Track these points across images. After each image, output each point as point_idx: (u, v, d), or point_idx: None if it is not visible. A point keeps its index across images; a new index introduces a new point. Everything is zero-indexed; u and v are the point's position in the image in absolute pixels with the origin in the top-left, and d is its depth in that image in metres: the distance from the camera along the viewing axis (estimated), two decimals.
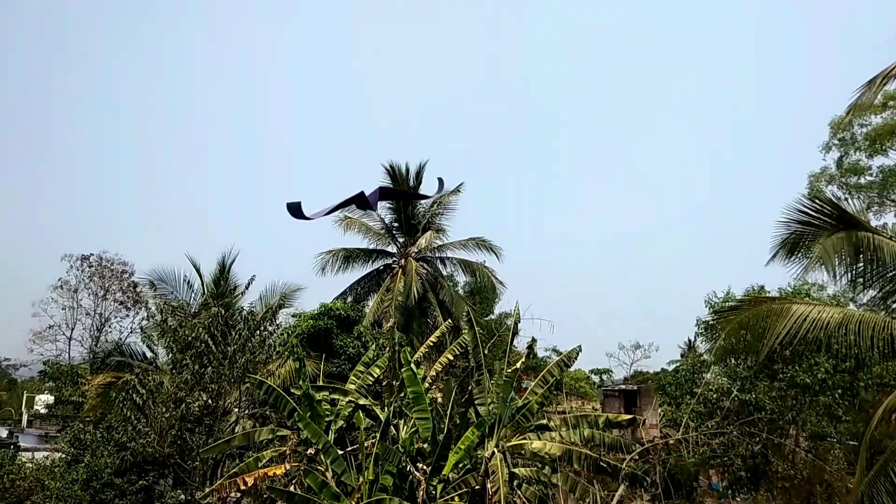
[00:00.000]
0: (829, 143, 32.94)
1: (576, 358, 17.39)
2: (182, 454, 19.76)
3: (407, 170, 38.21)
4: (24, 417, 45.86)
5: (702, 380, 20.92)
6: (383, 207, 38.84)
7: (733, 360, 19.46)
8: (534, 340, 16.97)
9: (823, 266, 13.18)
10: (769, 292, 20.84)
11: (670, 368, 48.41)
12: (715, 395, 19.80)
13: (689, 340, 55.00)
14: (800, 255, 14.38)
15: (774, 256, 14.56)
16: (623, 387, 42.89)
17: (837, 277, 13.34)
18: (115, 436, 19.71)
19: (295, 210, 7.61)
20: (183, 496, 19.27)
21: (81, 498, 17.69)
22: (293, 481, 17.25)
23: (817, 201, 13.75)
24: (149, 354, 25.14)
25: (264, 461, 17.37)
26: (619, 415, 16.94)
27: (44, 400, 42.38)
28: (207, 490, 18.05)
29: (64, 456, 21.02)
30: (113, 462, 18.76)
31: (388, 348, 20.58)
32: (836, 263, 12.87)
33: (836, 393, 18.33)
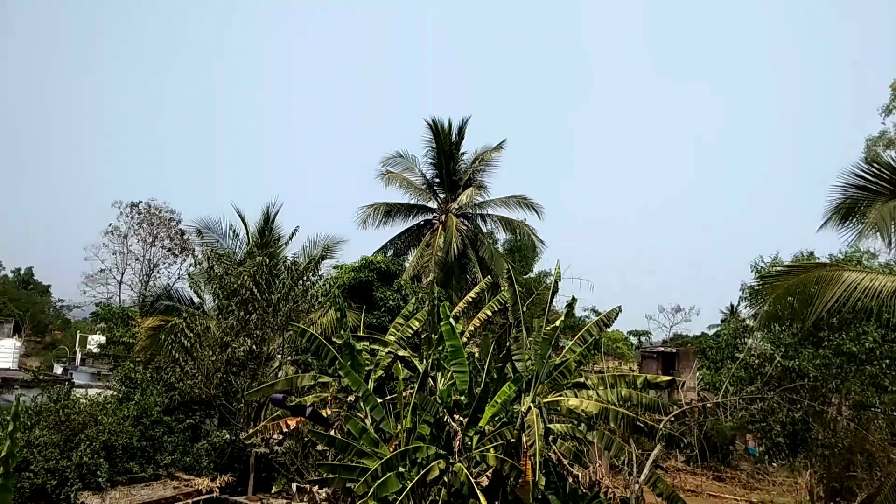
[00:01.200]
0: (890, 106, 31.49)
1: (615, 318, 17.31)
2: (227, 396, 20.48)
3: (449, 125, 37.97)
4: (78, 356, 47.95)
5: (744, 345, 20.67)
6: (425, 163, 38.86)
7: (777, 327, 19.15)
8: (574, 300, 16.91)
9: (878, 233, 12.77)
10: (819, 259, 20.29)
11: (711, 333, 47.94)
12: (757, 361, 19.56)
13: (732, 305, 54.29)
14: (854, 221, 13.94)
15: (827, 222, 14.15)
16: (661, 349, 42.78)
17: (892, 245, 12.91)
18: (164, 376, 20.50)
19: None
20: (228, 436, 20.03)
21: (132, 433, 18.52)
22: (333, 426, 17.74)
23: (875, 165, 13.24)
24: (196, 300, 25.88)
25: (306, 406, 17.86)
26: (658, 376, 16.88)
27: (96, 340, 44.22)
28: (251, 431, 18.72)
29: (115, 393, 21.99)
30: (162, 401, 19.55)
31: (427, 302, 20.78)
32: (892, 230, 12.45)
33: (883, 363, 17.94)
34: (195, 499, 17.75)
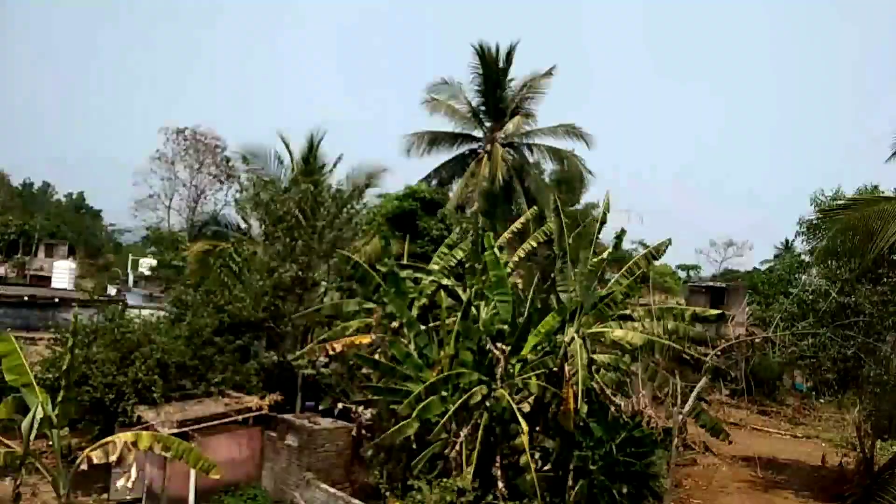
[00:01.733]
0: None
1: (664, 251, 16.93)
2: (275, 319, 20.98)
3: (497, 50, 36.81)
4: (130, 278, 49.74)
5: (798, 280, 20.08)
6: (470, 90, 37.97)
7: (835, 262, 18.49)
8: (622, 231, 16.57)
9: None
10: (883, 193, 19.34)
11: (763, 268, 46.89)
12: (811, 297, 19.03)
13: (787, 241, 52.89)
14: None
15: None
16: (710, 284, 42.08)
17: None
18: (214, 299, 21.04)
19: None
20: (276, 357, 20.61)
21: (184, 353, 19.19)
22: (378, 351, 18.06)
23: None
24: (243, 226, 26.28)
25: (351, 330, 18.20)
26: (707, 309, 16.59)
27: (147, 263, 45.66)
28: (298, 353, 19.21)
29: (168, 314, 22.74)
30: (212, 322, 20.12)
31: (471, 232, 20.65)
32: None
33: None
34: (245, 415, 18.46)
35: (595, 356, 15.41)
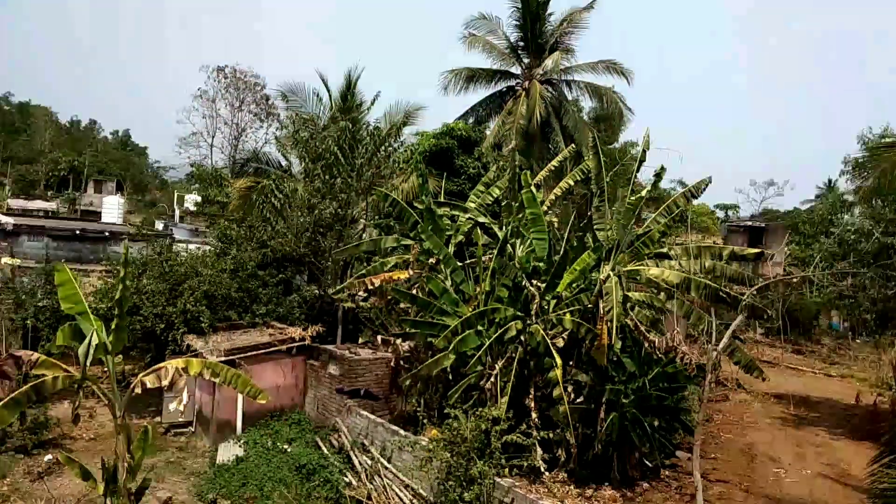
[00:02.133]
0: None
1: (704, 189, 16.73)
2: (315, 254, 21.51)
3: None
4: (176, 213, 51.01)
5: (840, 220, 19.69)
6: (509, 25, 37.11)
7: (880, 202, 18.05)
8: (662, 169, 16.39)
9: None
10: None
11: (804, 208, 45.84)
12: (853, 237, 18.69)
13: (830, 180, 51.44)
14: None
15: None
16: (749, 223, 41.37)
17: None
18: (257, 234, 21.63)
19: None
20: (317, 291, 21.22)
21: (230, 285, 19.91)
22: (415, 286, 18.47)
23: None
24: (283, 163, 26.64)
25: (389, 266, 18.60)
26: (745, 248, 16.48)
27: (192, 199, 46.70)
28: (338, 287, 19.76)
29: (213, 249, 23.48)
30: (255, 257, 20.76)
31: (508, 170, 20.64)
32: None
33: None
34: (289, 345, 19.21)
35: (630, 294, 15.54)
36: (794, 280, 19.43)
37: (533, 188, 16.43)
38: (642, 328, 14.96)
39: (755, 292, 15.24)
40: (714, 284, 14.58)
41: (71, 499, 14.49)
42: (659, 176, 16.55)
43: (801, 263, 25.94)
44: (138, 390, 10.45)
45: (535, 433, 14.16)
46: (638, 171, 17.27)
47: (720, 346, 13.86)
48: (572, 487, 14.11)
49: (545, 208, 18.19)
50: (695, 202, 18.96)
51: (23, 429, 17.10)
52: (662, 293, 15.46)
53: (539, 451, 14.14)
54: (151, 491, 13.56)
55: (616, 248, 15.39)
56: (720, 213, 59.07)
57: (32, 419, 17.52)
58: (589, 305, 15.09)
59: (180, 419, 19.53)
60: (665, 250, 15.81)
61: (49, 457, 16.42)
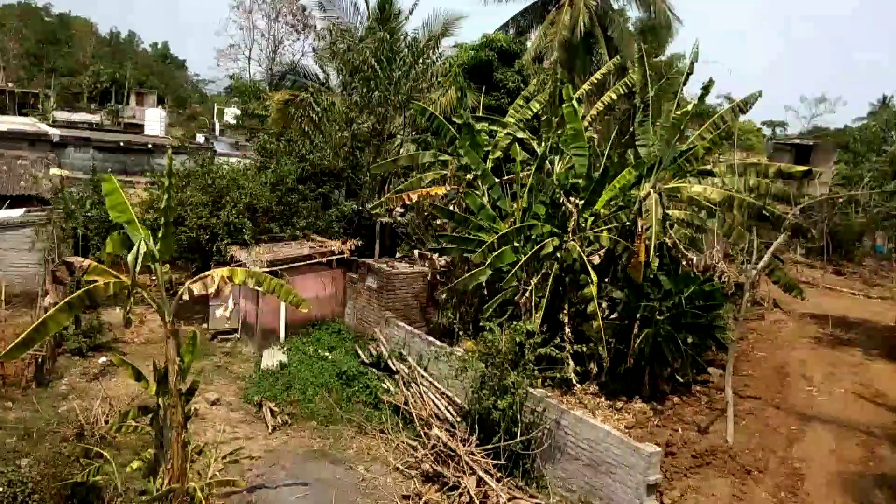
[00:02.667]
0: None
1: (753, 104, 16.14)
2: (353, 169, 21.60)
3: None
4: (217, 126, 51.26)
5: (893, 138, 18.88)
6: None
7: None
8: (710, 82, 15.79)
9: None
10: None
11: (855, 126, 43.96)
12: None
13: (884, 97, 48.94)
14: None
15: None
16: (797, 141, 39.90)
17: None
18: (296, 148, 21.72)
19: None
20: (355, 206, 21.42)
21: (270, 198, 20.21)
22: (452, 202, 18.51)
23: None
24: (321, 76, 26.35)
25: (426, 181, 18.61)
26: (792, 166, 15.99)
27: (232, 112, 46.80)
28: (376, 202, 19.91)
29: (253, 162, 23.70)
30: (295, 170, 20.93)
31: (548, 84, 20.09)
32: None
33: None
34: (329, 258, 19.62)
35: (669, 212, 15.35)
36: (840, 199, 18.85)
37: (574, 102, 16.04)
38: (681, 246, 14.86)
39: (798, 212, 14.90)
40: (758, 203, 14.28)
41: (125, 398, 15.41)
42: (706, 89, 15.97)
43: (849, 183, 25.07)
44: (186, 297, 10.83)
45: (568, 347, 14.44)
46: (684, 85, 16.68)
47: (760, 265, 13.72)
48: (603, 399, 14.48)
49: (586, 124, 17.81)
50: (740, 119, 18.30)
51: (78, 333, 18.05)
52: (703, 211, 15.23)
53: (571, 364, 14.46)
54: (200, 392, 14.31)
55: (658, 164, 15.09)
56: (766, 131, 56.88)
57: (87, 324, 18.45)
58: (627, 223, 15.00)
59: (226, 326, 20.34)
60: (708, 167, 15.45)
61: (104, 359, 17.37)
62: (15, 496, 7.93)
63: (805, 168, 15.03)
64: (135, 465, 11.10)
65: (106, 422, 13.75)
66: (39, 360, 16.00)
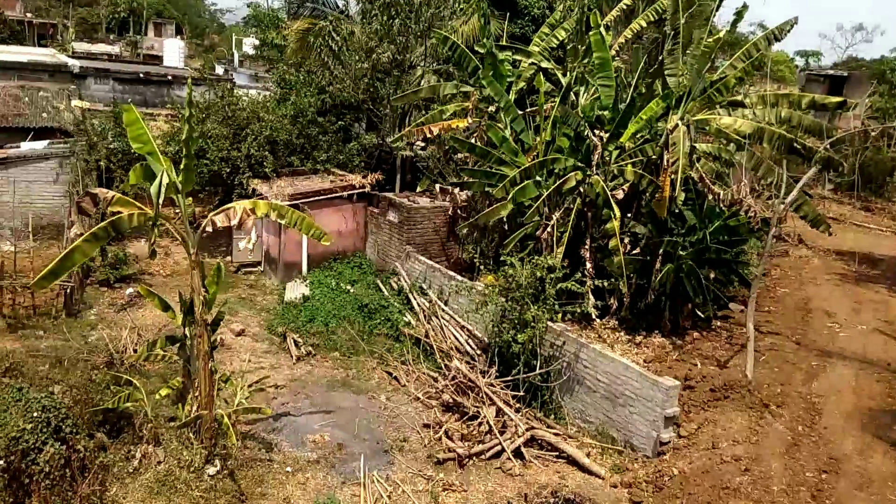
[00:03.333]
0: None
1: (788, 32, 15.44)
2: (373, 101, 21.28)
3: None
4: (236, 57, 50.55)
5: None
6: None
7: None
8: (744, 7, 15.11)
9: None
10: None
11: (893, 56, 42.15)
12: None
13: None
14: None
15: None
16: (831, 72, 38.45)
17: None
18: (315, 79, 21.40)
19: None
20: (375, 139, 21.22)
21: (291, 131, 20.07)
22: (474, 134, 18.23)
23: None
24: (340, 3, 25.70)
25: (448, 114, 18.29)
26: (827, 97, 15.40)
27: (250, 42, 46.00)
28: (396, 135, 19.68)
29: (273, 94, 23.43)
30: (315, 102, 20.68)
31: (575, 11, 19.38)
32: None
33: None
34: (349, 192, 19.59)
35: (697, 145, 14.97)
36: (873, 133, 18.22)
37: (601, 30, 15.46)
38: (707, 181, 14.57)
39: (829, 145, 14.45)
40: (789, 135, 13.85)
41: (153, 328, 15.79)
42: (739, 16, 15.32)
43: (883, 116, 24.21)
44: (209, 229, 10.91)
45: (588, 282, 14.43)
46: (717, 11, 15.99)
47: (788, 199, 13.43)
48: (622, 334, 14.55)
49: (613, 53, 17.21)
50: (775, 48, 17.59)
51: (105, 264, 18.38)
52: (732, 144, 14.84)
53: (592, 299, 14.47)
54: (226, 323, 14.62)
55: (687, 95, 14.63)
56: (799, 61, 54.72)
57: (113, 255, 18.77)
58: (653, 157, 14.69)
59: (249, 258, 20.59)
60: (739, 99, 14.94)
61: (130, 290, 17.74)
62: (48, 421, 8.24)
63: (839, 99, 14.45)
64: (164, 392, 11.46)
65: (134, 351, 14.15)
66: (68, 290, 16.37)
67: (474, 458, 11.93)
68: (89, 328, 15.79)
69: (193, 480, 10.22)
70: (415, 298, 17.36)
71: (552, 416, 13.30)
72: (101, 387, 11.70)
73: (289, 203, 17.47)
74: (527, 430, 12.30)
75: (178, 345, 11.48)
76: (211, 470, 10.48)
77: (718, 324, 14.89)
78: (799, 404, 11.63)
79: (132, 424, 11.26)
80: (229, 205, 11.16)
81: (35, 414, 8.27)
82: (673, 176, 13.49)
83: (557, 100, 15.97)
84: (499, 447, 12.03)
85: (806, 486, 9.69)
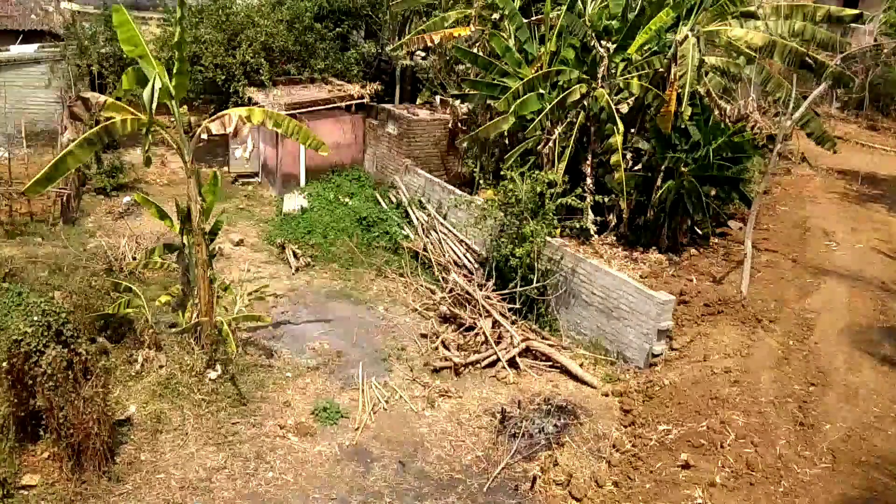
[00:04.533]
0: None
1: None
2: (373, 7, 20.54)
3: None
4: None
5: None
6: None
7: None
8: None
9: None
10: None
11: None
12: None
13: None
14: None
15: None
16: None
17: None
18: None
19: None
20: (374, 47, 20.59)
21: (287, 37, 19.40)
22: (476, 44, 17.68)
23: None
24: None
25: (450, 22, 17.61)
26: (843, 9, 14.79)
27: None
28: (396, 44, 19.06)
29: None
30: (311, 7, 19.91)
31: None
32: None
33: None
34: (348, 102, 19.18)
35: (706, 58, 14.52)
36: (885, 50, 17.64)
37: None
38: (714, 95, 14.25)
39: (840, 60, 14.02)
40: (801, 49, 13.42)
41: (151, 236, 15.81)
42: None
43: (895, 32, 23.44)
44: (204, 136, 10.76)
45: (589, 198, 14.35)
46: None
47: (796, 115, 13.16)
48: (620, 250, 14.59)
49: None
50: None
51: (101, 172, 18.20)
52: (741, 58, 14.40)
53: (591, 214, 14.44)
54: (224, 233, 14.61)
55: (698, 5, 14.09)
56: None
57: (109, 163, 18.56)
58: (660, 69, 14.27)
59: (246, 167, 20.39)
60: (752, 9, 14.37)
61: (127, 198, 17.62)
62: (49, 325, 8.33)
63: (855, 11, 13.90)
64: (163, 299, 11.59)
65: (133, 258, 14.21)
66: (64, 197, 16.27)
67: (470, 367, 12.22)
68: (88, 235, 15.80)
69: (195, 384, 10.49)
70: (413, 212, 17.30)
71: (547, 329, 13.53)
72: (101, 293, 11.82)
73: (286, 113, 17.14)
74: (522, 340, 12.53)
75: (175, 253, 11.52)
76: (212, 374, 10.73)
77: (716, 241, 14.90)
78: (791, 320, 11.79)
79: (133, 330, 11.45)
80: (224, 112, 10.95)
81: (35, 318, 8.35)
82: (680, 90, 13.18)
83: (564, 8, 15.37)
84: (494, 357, 12.31)
85: (793, 397, 9.94)
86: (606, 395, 11.54)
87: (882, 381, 10.19)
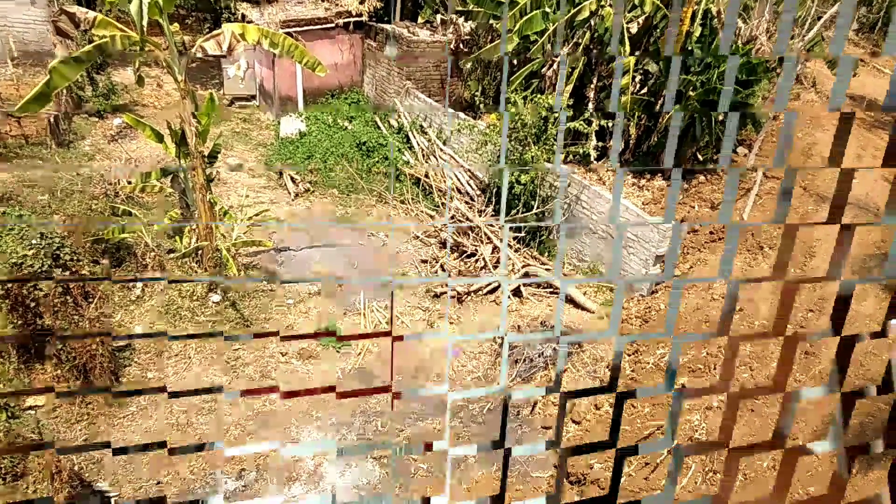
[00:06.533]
0: None
1: None
2: None
3: None
4: None
5: None
6: None
7: None
8: None
9: None
10: None
11: None
12: None
13: None
14: None
15: None
16: None
17: None
18: None
19: None
20: None
21: None
22: None
23: None
24: None
25: None
26: None
27: None
28: None
29: None
30: None
31: None
32: None
33: None
34: (346, 19, 18.50)
35: None
36: None
37: None
38: (723, 15, 13.70)
39: None
40: None
41: (148, 160, 15.56)
42: None
43: None
44: (199, 54, 10.41)
45: (593, 122, 14.05)
46: None
47: (809, 35, 12.72)
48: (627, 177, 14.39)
49: None
50: None
51: (95, 94, 17.74)
52: None
53: (593, 140, 14.16)
54: (221, 158, 14.38)
55: None
56: None
57: (105, 85, 18.07)
58: None
59: (241, 88, 19.89)
60: None
61: (118, 119, 17.21)
62: (49, 248, 8.29)
63: None
64: (164, 220, 11.50)
65: (129, 182, 14.02)
66: (52, 118, 15.90)
67: (471, 293, 12.25)
68: (85, 158, 15.53)
69: (198, 307, 10.53)
70: (414, 137, 16.98)
71: (547, 255, 13.50)
72: (100, 216, 11.72)
73: (281, 31, 16.57)
74: (522, 266, 12.52)
75: (170, 176, 11.35)
76: (214, 297, 10.75)
77: (723, 168, 14.68)
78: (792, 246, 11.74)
79: (133, 254, 11.40)
80: (218, 30, 10.56)
81: (34, 241, 8.28)
82: (695, 6, 12.69)
83: None
84: (495, 283, 12.31)
85: (791, 322, 10.00)
86: (602, 319, 11.62)
87: (881, 308, 10.24)
